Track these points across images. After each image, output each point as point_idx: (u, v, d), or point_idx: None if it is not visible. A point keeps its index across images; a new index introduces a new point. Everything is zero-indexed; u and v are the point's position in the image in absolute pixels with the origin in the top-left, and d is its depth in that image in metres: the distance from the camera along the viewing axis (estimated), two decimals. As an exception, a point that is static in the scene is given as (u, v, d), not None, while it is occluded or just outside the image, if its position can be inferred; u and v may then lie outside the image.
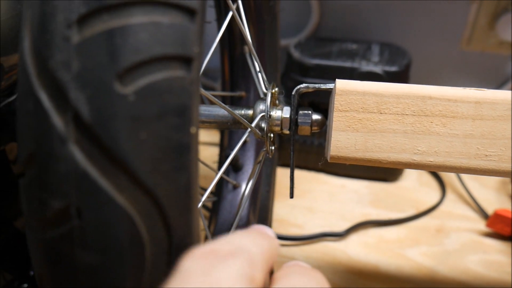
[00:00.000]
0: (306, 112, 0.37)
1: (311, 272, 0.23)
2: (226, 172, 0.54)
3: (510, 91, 0.31)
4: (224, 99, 0.55)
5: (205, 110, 0.39)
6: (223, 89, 0.54)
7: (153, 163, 0.19)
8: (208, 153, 0.74)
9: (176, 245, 0.21)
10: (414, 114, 0.32)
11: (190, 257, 0.19)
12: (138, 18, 0.18)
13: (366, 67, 0.64)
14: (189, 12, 0.19)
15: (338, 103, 0.32)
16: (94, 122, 0.18)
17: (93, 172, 0.18)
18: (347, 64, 0.65)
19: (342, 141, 0.32)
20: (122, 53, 0.18)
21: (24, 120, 0.19)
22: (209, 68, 0.89)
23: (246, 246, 0.20)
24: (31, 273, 0.48)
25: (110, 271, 0.19)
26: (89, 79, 0.18)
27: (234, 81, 0.53)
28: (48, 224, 0.19)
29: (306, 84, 0.37)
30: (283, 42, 0.80)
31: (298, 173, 0.74)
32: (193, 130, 0.20)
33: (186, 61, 0.19)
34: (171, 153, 0.19)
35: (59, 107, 0.18)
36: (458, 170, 0.32)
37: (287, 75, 0.69)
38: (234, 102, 0.54)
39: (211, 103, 0.35)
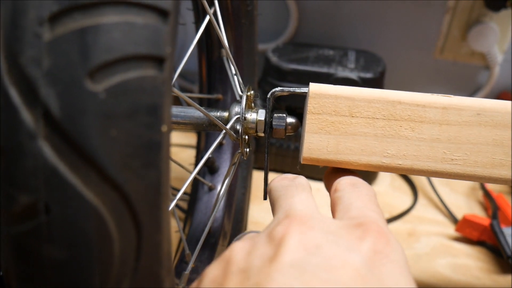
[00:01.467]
0: (280, 115, 0.38)
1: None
2: (202, 174, 0.54)
3: (475, 98, 0.32)
4: (201, 101, 0.56)
5: (180, 111, 0.39)
6: (201, 92, 0.55)
7: (123, 160, 0.19)
8: (185, 155, 0.74)
9: (145, 241, 0.21)
10: (384, 118, 0.33)
11: None
12: (111, 17, 0.18)
13: (342, 73, 0.66)
14: (162, 13, 0.20)
15: (311, 106, 0.33)
16: (64, 119, 0.18)
17: (62, 167, 0.18)
18: (324, 69, 0.66)
19: (314, 143, 0.33)
20: (94, 51, 0.18)
21: (-7, 116, 0.19)
22: (188, 70, 0.89)
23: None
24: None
25: (77, 266, 0.19)
26: (60, 76, 0.18)
27: (212, 83, 0.53)
28: (15, 219, 0.19)
29: (281, 88, 0.37)
30: (261, 46, 0.81)
31: (274, 176, 0.74)
32: (164, 128, 0.20)
33: (159, 61, 0.20)
34: (141, 150, 0.20)
35: (29, 103, 0.18)
36: (425, 173, 0.33)
37: (264, 79, 0.69)
38: (211, 104, 0.54)
39: (188, 104, 0.35)
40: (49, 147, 0.18)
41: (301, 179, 0.32)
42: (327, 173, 0.35)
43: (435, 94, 0.33)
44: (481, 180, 0.33)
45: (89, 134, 0.18)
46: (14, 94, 0.18)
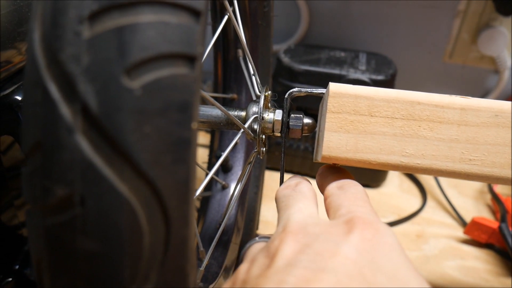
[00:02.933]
0: (297, 115, 0.39)
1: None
2: (215, 172, 0.55)
3: (493, 100, 0.32)
4: (216, 100, 0.56)
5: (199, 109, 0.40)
6: (215, 91, 0.55)
7: (155, 156, 0.20)
8: (197, 154, 0.75)
9: (173, 235, 0.21)
10: (403, 118, 0.33)
11: None
12: (147, 16, 0.19)
13: (353, 74, 0.66)
14: (195, 13, 0.20)
15: (331, 105, 0.33)
16: (101, 114, 0.18)
17: (98, 161, 0.19)
18: (335, 71, 0.67)
19: (333, 142, 0.34)
20: (131, 49, 0.19)
21: (31, 110, 0.19)
22: (200, 70, 0.90)
23: None
24: (16, 267, 0.48)
25: (109, 258, 0.20)
26: (98, 72, 0.18)
27: (227, 83, 0.54)
28: (50, 211, 0.20)
29: (298, 88, 0.38)
30: (273, 47, 0.82)
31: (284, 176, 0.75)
32: (194, 125, 0.21)
33: (190, 59, 0.20)
34: (172, 146, 0.20)
35: (68, 98, 0.19)
36: (443, 173, 0.33)
37: (276, 80, 0.70)
38: (225, 104, 0.55)
39: (204, 103, 0.36)
40: (86, 141, 0.19)
41: (303, 185, 0.33)
42: (318, 175, 0.36)
43: (453, 95, 0.33)
44: (499, 182, 0.33)
45: (125, 130, 0.19)
46: (53, 90, 0.19)
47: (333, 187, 0.33)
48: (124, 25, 0.19)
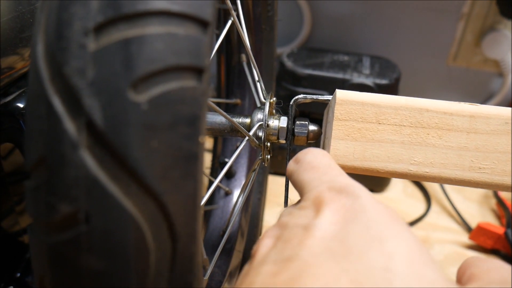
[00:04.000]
0: (303, 122, 0.38)
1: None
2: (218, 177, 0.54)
3: (503, 107, 0.32)
4: (219, 106, 0.56)
5: (202, 117, 0.39)
6: (218, 96, 0.55)
7: (162, 171, 0.19)
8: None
9: (180, 252, 0.21)
10: (411, 125, 0.32)
11: None
12: (154, 28, 0.18)
13: (357, 79, 0.66)
14: (203, 23, 0.20)
15: (338, 112, 0.33)
16: (107, 129, 0.18)
17: (103, 178, 0.18)
18: (339, 75, 0.66)
19: (341, 150, 0.33)
20: (137, 62, 0.18)
21: (35, 124, 0.19)
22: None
23: None
24: (18, 275, 0.47)
25: (114, 276, 0.19)
26: (104, 86, 0.18)
27: (230, 88, 0.53)
28: (54, 228, 0.19)
29: (304, 95, 0.37)
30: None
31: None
32: (201, 139, 0.20)
33: (198, 72, 0.20)
34: (180, 161, 0.20)
35: (72, 112, 0.18)
36: (452, 181, 0.33)
37: (279, 84, 0.69)
38: (228, 109, 0.55)
39: (209, 110, 0.35)
40: (91, 157, 0.18)
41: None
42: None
43: (462, 103, 0.33)
44: (509, 190, 0.33)
45: (131, 145, 0.18)
46: (57, 104, 0.18)
47: (290, 164, 0.29)
48: (131, 37, 0.18)
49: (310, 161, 0.28)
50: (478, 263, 0.25)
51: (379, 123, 0.32)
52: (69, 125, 0.18)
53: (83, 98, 0.18)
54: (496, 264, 0.24)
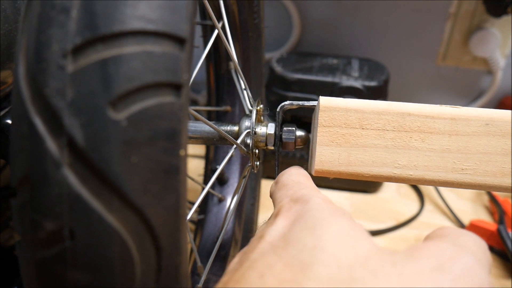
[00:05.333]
0: (290, 128, 0.39)
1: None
2: (211, 185, 0.55)
3: (483, 109, 0.33)
4: (209, 113, 0.56)
5: (191, 126, 0.40)
6: (209, 104, 0.55)
7: (143, 185, 0.20)
8: (193, 166, 0.75)
9: (165, 263, 0.21)
10: (394, 129, 0.33)
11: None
12: (130, 47, 0.19)
13: (346, 82, 0.66)
14: (179, 41, 0.20)
15: (322, 119, 0.33)
16: (88, 147, 0.18)
17: (86, 194, 0.19)
18: (328, 78, 0.67)
19: (326, 156, 0.34)
20: (116, 81, 0.19)
21: (18, 143, 0.19)
22: (192, 80, 0.90)
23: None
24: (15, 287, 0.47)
25: (101, 289, 0.20)
26: (83, 106, 0.18)
27: (220, 96, 0.54)
28: (40, 244, 0.20)
29: (290, 102, 0.38)
30: (265, 55, 0.82)
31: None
32: (182, 152, 0.21)
33: (176, 87, 0.20)
34: (161, 175, 0.20)
35: (54, 132, 0.19)
36: (436, 183, 0.33)
37: (269, 89, 0.70)
38: (219, 116, 0.55)
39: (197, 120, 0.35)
40: (73, 174, 0.19)
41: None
42: None
43: (443, 105, 0.33)
44: (491, 189, 0.33)
45: (112, 162, 0.19)
46: (39, 124, 0.19)
47: (272, 185, 0.33)
48: (108, 57, 0.19)
49: (283, 181, 0.31)
50: (435, 229, 0.26)
51: (363, 128, 0.33)
52: (51, 144, 0.19)
53: (64, 118, 0.18)
54: (449, 229, 0.25)
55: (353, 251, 0.21)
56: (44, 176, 0.19)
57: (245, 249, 0.26)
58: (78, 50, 0.18)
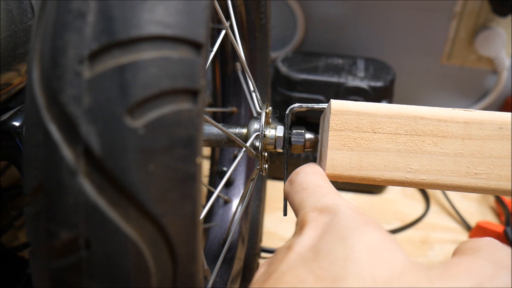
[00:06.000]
0: (299, 131, 0.38)
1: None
2: (217, 187, 0.54)
3: (497, 112, 0.32)
4: (215, 114, 0.56)
5: (199, 128, 0.39)
6: (214, 104, 0.55)
7: (160, 193, 0.19)
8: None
9: (181, 272, 0.21)
10: (406, 133, 0.33)
11: None
12: (148, 53, 0.19)
13: (352, 82, 0.66)
14: (196, 46, 0.20)
15: (333, 123, 0.33)
16: (104, 156, 0.18)
17: (102, 203, 0.18)
18: (334, 79, 0.67)
19: (337, 160, 0.33)
20: (133, 88, 0.18)
21: (32, 151, 0.19)
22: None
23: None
24: (20, 291, 0.47)
25: (117, 300, 0.20)
26: (100, 113, 0.18)
27: (226, 96, 0.53)
28: (55, 254, 0.19)
29: (299, 104, 0.38)
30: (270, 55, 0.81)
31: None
32: (198, 160, 0.20)
33: (193, 93, 0.20)
34: (178, 183, 0.20)
35: (69, 140, 0.18)
36: (449, 188, 0.33)
37: (274, 89, 0.70)
38: (225, 117, 0.55)
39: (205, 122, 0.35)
40: (90, 183, 0.18)
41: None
42: None
43: (456, 109, 0.33)
44: (505, 194, 0.33)
45: (129, 170, 0.18)
46: (54, 131, 0.18)
47: (286, 185, 0.32)
48: (125, 64, 0.18)
49: (300, 182, 0.30)
50: (466, 242, 0.26)
51: (375, 132, 0.33)
52: (67, 153, 0.18)
53: (80, 126, 0.18)
54: (483, 242, 0.24)
55: (388, 265, 0.20)
56: (60, 184, 0.18)
57: (271, 259, 0.25)
58: (95, 56, 0.18)
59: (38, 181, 0.19)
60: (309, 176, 0.30)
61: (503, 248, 0.23)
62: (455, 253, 0.26)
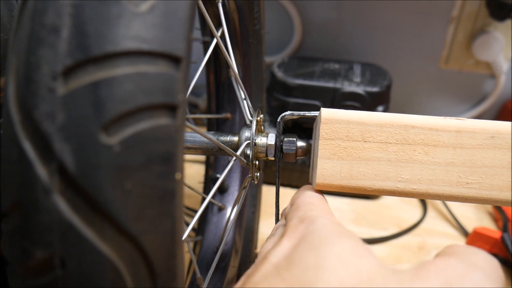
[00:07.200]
0: (291, 139, 0.38)
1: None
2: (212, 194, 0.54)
3: (488, 121, 0.32)
4: (209, 120, 0.55)
5: (190, 136, 0.39)
6: (209, 110, 0.55)
7: (137, 211, 0.19)
8: (192, 171, 0.74)
9: (161, 289, 0.21)
10: (397, 142, 0.32)
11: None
12: (123, 69, 0.18)
13: (348, 87, 0.65)
14: (175, 60, 0.20)
15: (323, 132, 0.33)
16: (79, 174, 0.18)
17: (77, 222, 0.18)
18: (330, 84, 0.66)
19: (327, 169, 0.33)
20: (108, 104, 0.18)
21: (7, 168, 0.19)
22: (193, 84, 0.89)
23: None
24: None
25: (94, 319, 0.19)
26: (74, 130, 0.18)
27: (220, 103, 0.53)
28: (30, 273, 0.19)
29: (291, 112, 0.37)
30: (266, 60, 0.81)
31: (281, 191, 0.74)
32: (178, 176, 0.20)
33: (171, 108, 0.19)
34: (156, 200, 0.19)
35: (44, 158, 0.18)
36: (441, 197, 0.33)
37: (270, 94, 0.69)
38: (219, 123, 0.54)
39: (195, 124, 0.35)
40: (64, 202, 0.18)
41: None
42: None
43: (448, 117, 0.32)
44: (497, 203, 0.33)
45: (104, 188, 0.18)
46: (28, 148, 0.18)
47: (287, 206, 0.33)
48: (100, 80, 0.18)
49: (297, 203, 0.31)
50: (445, 247, 0.26)
51: (365, 141, 0.32)
52: (41, 170, 0.18)
53: (54, 143, 0.18)
54: (460, 247, 0.24)
55: (356, 270, 0.20)
56: (34, 202, 0.18)
57: (249, 271, 0.25)
58: (69, 72, 0.18)
59: (14, 199, 0.19)
60: (305, 197, 0.31)
61: (478, 252, 0.23)
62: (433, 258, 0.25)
